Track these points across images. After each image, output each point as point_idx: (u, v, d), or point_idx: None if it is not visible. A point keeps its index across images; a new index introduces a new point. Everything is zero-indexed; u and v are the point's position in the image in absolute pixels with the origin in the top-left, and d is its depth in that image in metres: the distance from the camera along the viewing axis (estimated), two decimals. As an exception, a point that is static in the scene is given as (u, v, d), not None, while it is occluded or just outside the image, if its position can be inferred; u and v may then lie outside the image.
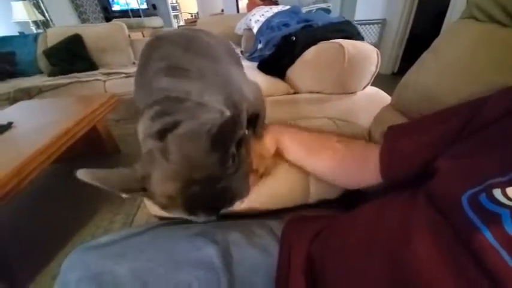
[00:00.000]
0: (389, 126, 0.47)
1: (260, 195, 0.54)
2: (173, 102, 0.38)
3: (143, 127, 0.37)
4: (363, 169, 0.47)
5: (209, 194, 0.32)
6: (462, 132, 0.35)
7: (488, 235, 0.24)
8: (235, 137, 0.31)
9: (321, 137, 0.54)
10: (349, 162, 0.49)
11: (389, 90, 0.89)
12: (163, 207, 0.33)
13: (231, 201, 0.35)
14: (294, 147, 0.54)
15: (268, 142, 0.53)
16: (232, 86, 0.48)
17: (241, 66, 0.69)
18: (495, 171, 0.27)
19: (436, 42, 0.59)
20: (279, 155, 0.56)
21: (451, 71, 0.52)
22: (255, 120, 0.54)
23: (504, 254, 0.22)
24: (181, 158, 0.31)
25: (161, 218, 0.56)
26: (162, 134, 0.34)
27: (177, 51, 0.47)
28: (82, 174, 0.31)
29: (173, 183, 0.31)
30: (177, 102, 0.38)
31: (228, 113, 0.40)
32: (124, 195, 0.33)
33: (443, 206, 0.30)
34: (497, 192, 0.25)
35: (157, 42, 0.50)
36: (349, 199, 0.58)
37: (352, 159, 0.49)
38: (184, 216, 0.34)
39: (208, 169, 0.31)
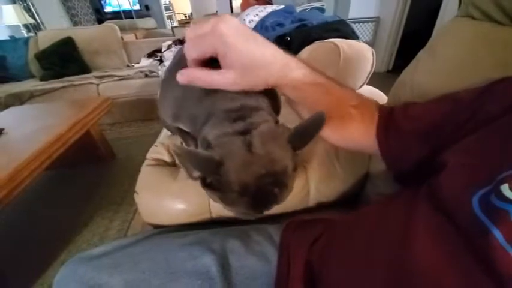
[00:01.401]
0: (381, 106, 0.44)
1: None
2: (248, 109, 0.38)
3: (220, 128, 0.36)
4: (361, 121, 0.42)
5: (273, 188, 0.33)
6: (469, 122, 0.34)
7: (498, 234, 0.23)
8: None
9: (336, 93, 0.42)
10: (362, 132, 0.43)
11: (384, 88, 0.89)
12: (223, 196, 0.34)
13: (283, 198, 0.36)
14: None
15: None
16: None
17: None
18: (503, 165, 0.26)
19: (432, 41, 0.58)
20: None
21: (447, 70, 0.51)
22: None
23: (510, 250, 0.22)
24: (264, 151, 0.32)
25: (156, 227, 0.55)
26: (246, 131, 0.34)
27: None
28: (175, 148, 0.31)
29: (253, 171, 0.32)
30: (251, 110, 0.38)
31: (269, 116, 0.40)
32: (194, 175, 0.35)
33: (450, 206, 0.29)
34: (504, 188, 0.24)
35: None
36: (349, 202, 0.58)
37: (365, 129, 0.43)
38: (244, 209, 0.34)
39: (283, 167, 0.33)
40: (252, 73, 0.34)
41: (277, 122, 0.37)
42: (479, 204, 0.26)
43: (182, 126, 0.45)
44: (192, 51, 0.33)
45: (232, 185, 0.32)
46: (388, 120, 0.40)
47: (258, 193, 0.32)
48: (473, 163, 0.30)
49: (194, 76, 0.34)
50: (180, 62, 0.49)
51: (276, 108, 0.47)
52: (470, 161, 0.31)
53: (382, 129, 0.40)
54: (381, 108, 0.42)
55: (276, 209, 0.54)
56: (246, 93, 0.39)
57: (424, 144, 0.37)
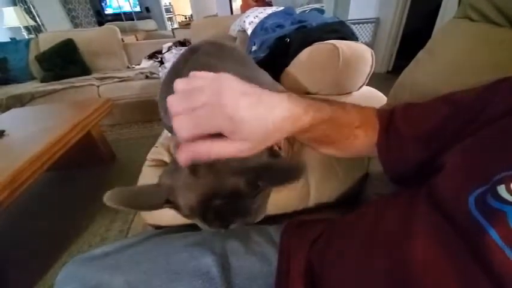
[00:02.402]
0: (378, 109, 0.44)
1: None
2: None
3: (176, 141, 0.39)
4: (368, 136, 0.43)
5: (228, 209, 0.33)
6: (469, 124, 0.34)
7: (494, 234, 0.23)
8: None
9: (341, 121, 0.41)
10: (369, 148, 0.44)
11: (384, 88, 0.89)
12: (186, 217, 0.35)
13: (246, 219, 0.36)
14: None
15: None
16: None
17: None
18: (500, 166, 0.26)
19: (431, 42, 0.59)
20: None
21: (447, 71, 0.52)
22: None
23: (509, 252, 0.22)
24: (210, 176, 0.33)
25: (156, 227, 0.55)
26: None
27: (214, 60, 0.48)
28: (109, 199, 0.31)
29: (196, 197, 0.33)
30: None
31: None
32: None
33: (448, 206, 0.29)
34: (501, 189, 0.24)
35: (192, 53, 0.50)
36: (349, 202, 0.58)
37: (369, 142, 0.43)
38: (202, 225, 0.36)
39: (233, 189, 0.32)
40: (267, 140, 0.30)
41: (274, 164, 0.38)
42: (476, 204, 0.26)
43: None
44: (185, 130, 0.26)
45: (182, 208, 0.34)
46: (388, 128, 0.41)
47: (207, 214, 0.34)
48: (470, 163, 0.31)
49: (198, 152, 0.27)
50: (179, 64, 0.50)
51: None
52: (468, 162, 0.31)
53: (382, 138, 0.41)
54: (380, 115, 0.43)
55: (275, 210, 0.55)
56: None
57: (424, 148, 0.38)
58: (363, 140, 0.42)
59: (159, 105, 0.50)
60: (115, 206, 0.31)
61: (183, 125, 0.26)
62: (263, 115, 0.28)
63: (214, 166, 0.33)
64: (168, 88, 0.49)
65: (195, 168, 0.33)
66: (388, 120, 0.42)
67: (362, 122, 0.41)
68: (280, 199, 0.55)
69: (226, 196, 0.32)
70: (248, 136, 0.27)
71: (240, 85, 0.28)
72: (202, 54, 0.49)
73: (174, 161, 0.36)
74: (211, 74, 0.30)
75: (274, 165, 0.35)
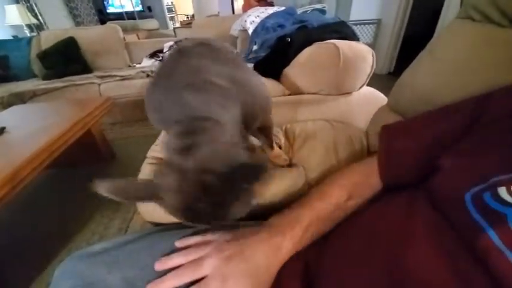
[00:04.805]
0: (384, 126, 0.46)
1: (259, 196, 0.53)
2: (196, 121, 0.41)
3: (167, 141, 0.40)
4: (368, 195, 0.45)
5: (209, 211, 0.34)
6: (468, 130, 0.35)
7: (493, 235, 0.23)
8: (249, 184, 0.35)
9: (331, 209, 0.44)
10: (359, 202, 0.45)
11: (385, 90, 0.89)
12: (170, 213, 0.36)
13: (227, 219, 0.37)
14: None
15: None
16: (253, 97, 0.51)
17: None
18: (500, 168, 0.27)
19: (432, 43, 0.59)
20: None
21: (447, 71, 0.52)
22: (265, 132, 0.61)
23: (509, 254, 0.22)
24: (194, 180, 0.34)
25: (155, 224, 0.55)
26: (183, 153, 0.36)
27: (204, 62, 0.48)
28: (99, 187, 0.33)
29: (181, 198, 0.34)
30: (199, 121, 0.41)
31: (236, 137, 0.43)
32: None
33: (445, 205, 0.29)
34: (502, 191, 0.24)
35: (179, 54, 0.50)
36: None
37: (362, 198, 0.45)
38: (185, 223, 0.36)
39: (214, 193, 0.33)
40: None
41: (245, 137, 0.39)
42: (472, 202, 0.26)
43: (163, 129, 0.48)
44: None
45: (167, 206, 0.36)
46: (388, 158, 0.43)
47: (189, 214, 0.35)
48: (467, 163, 0.31)
49: None
50: (167, 66, 0.50)
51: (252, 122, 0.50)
52: (465, 162, 0.31)
53: (384, 169, 0.43)
54: (380, 138, 0.45)
55: (274, 207, 0.55)
56: (203, 94, 0.42)
57: (425, 156, 0.38)
58: (360, 201, 0.44)
59: (146, 103, 0.50)
60: (105, 195, 0.33)
61: None
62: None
63: (199, 171, 0.34)
64: (154, 88, 0.49)
65: (182, 168, 0.35)
66: (384, 143, 0.44)
67: (350, 191, 0.44)
68: (280, 197, 0.55)
69: (206, 196, 0.33)
70: None
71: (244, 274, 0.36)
72: (193, 57, 0.49)
73: (169, 164, 0.37)
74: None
75: (245, 164, 0.36)
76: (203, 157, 0.35)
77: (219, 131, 0.40)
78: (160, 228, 0.51)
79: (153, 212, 0.55)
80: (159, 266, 0.39)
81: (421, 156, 0.38)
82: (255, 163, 0.36)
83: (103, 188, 0.33)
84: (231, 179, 0.33)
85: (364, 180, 0.45)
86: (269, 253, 0.38)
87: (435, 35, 0.60)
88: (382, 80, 2.92)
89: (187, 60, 0.48)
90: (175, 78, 0.46)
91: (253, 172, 0.34)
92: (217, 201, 0.34)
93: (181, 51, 0.51)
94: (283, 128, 0.72)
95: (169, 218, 0.54)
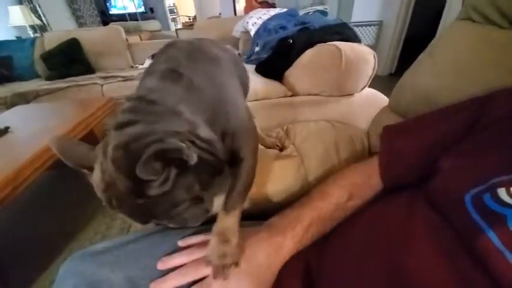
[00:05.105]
0: (385, 127, 0.46)
1: (258, 195, 0.54)
2: (143, 102, 0.36)
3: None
4: (369, 196, 0.45)
5: (127, 202, 0.30)
6: (468, 131, 0.35)
7: (493, 236, 0.23)
8: (175, 162, 0.29)
9: (332, 209, 0.44)
10: (359, 203, 0.45)
11: (387, 91, 0.89)
12: (96, 192, 0.33)
13: (151, 218, 0.33)
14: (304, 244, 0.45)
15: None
16: (223, 106, 0.43)
17: (245, 85, 0.63)
18: (499, 169, 0.27)
19: (433, 44, 0.59)
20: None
21: (448, 72, 0.52)
22: (235, 168, 0.43)
23: (508, 255, 0.22)
24: (112, 158, 0.30)
25: (157, 225, 0.55)
26: (116, 128, 0.32)
27: (181, 55, 0.47)
28: (52, 141, 0.32)
29: (102, 177, 0.31)
30: (146, 103, 0.36)
31: (201, 127, 0.36)
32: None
33: (445, 206, 0.30)
34: (501, 192, 0.25)
35: (166, 48, 0.50)
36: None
37: (362, 199, 0.45)
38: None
39: (130, 179, 0.29)
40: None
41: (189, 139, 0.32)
42: (472, 203, 0.26)
43: None
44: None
45: (92, 181, 0.33)
46: (389, 158, 0.43)
47: (110, 201, 0.31)
48: (466, 164, 0.31)
49: None
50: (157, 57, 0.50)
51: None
52: (465, 163, 0.31)
53: (384, 169, 0.43)
54: (381, 139, 0.45)
55: (274, 206, 0.55)
56: (168, 82, 0.39)
57: (425, 160, 0.38)
58: (360, 202, 0.44)
59: None
60: (54, 151, 0.32)
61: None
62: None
63: (117, 149, 0.30)
64: (144, 76, 0.48)
65: (106, 146, 0.31)
66: (385, 143, 0.44)
67: (351, 191, 0.44)
68: (280, 195, 0.55)
69: (124, 189, 0.29)
70: None
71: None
72: (174, 48, 0.49)
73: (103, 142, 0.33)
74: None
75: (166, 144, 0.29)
76: (126, 133, 0.31)
77: (165, 117, 0.34)
78: (161, 228, 0.51)
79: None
80: (162, 265, 0.39)
81: (422, 157, 0.39)
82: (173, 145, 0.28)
83: (54, 143, 0.32)
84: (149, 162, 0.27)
85: (365, 181, 0.45)
86: (270, 252, 0.39)
87: (436, 36, 0.60)
88: (384, 81, 2.92)
89: (168, 52, 0.48)
90: (152, 67, 0.46)
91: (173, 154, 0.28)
92: (130, 188, 0.29)
93: (169, 44, 0.51)
94: (285, 128, 0.73)
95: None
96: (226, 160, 0.40)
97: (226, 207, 0.41)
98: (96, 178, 0.32)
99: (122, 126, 0.32)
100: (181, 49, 0.49)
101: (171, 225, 0.35)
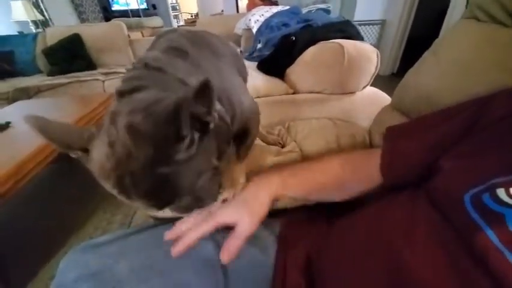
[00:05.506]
0: (388, 127, 0.47)
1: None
2: (150, 70, 0.34)
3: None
4: (363, 181, 0.46)
5: (148, 177, 0.26)
6: (468, 132, 0.35)
7: (492, 235, 0.23)
8: (195, 114, 0.25)
9: (321, 167, 0.49)
10: (353, 183, 0.47)
11: (388, 91, 0.89)
12: (97, 176, 0.29)
13: (176, 197, 0.29)
14: (296, 194, 0.48)
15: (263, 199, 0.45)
16: (229, 87, 0.44)
17: (244, 79, 0.64)
18: (499, 170, 0.27)
19: (437, 43, 0.58)
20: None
21: (451, 71, 0.52)
22: (242, 138, 0.48)
23: (508, 254, 0.22)
24: (126, 125, 0.26)
25: (157, 219, 0.56)
26: (122, 95, 0.30)
27: (183, 40, 0.47)
28: (29, 118, 0.28)
29: (112, 152, 0.26)
30: (154, 70, 0.34)
31: (217, 104, 0.34)
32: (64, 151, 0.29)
33: (445, 206, 0.30)
34: (501, 192, 0.25)
35: (165, 34, 0.50)
36: (349, 201, 0.57)
37: (356, 178, 0.47)
38: (115, 193, 0.28)
39: (154, 145, 0.25)
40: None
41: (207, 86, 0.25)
42: (471, 202, 0.26)
43: None
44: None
45: (94, 164, 0.28)
46: (391, 158, 0.43)
47: (120, 178, 0.27)
48: (466, 165, 0.31)
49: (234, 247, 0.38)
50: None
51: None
52: (464, 163, 0.32)
53: (386, 169, 0.43)
54: (384, 138, 0.46)
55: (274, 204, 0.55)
56: (172, 56, 0.38)
57: (427, 161, 0.38)
58: (350, 179, 0.47)
59: None
60: (32, 128, 0.28)
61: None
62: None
63: (133, 112, 0.27)
64: None
65: (116, 114, 0.27)
66: (388, 143, 0.44)
67: (343, 160, 0.49)
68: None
69: (144, 158, 0.25)
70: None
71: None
72: (174, 33, 0.49)
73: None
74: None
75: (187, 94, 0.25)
76: (140, 98, 0.28)
77: (175, 85, 0.33)
78: (162, 223, 0.51)
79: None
80: (170, 235, 0.40)
81: (424, 157, 0.39)
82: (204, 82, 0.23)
83: (31, 121, 0.28)
84: (169, 117, 0.25)
85: (363, 159, 0.48)
86: (257, 189, 0.45)
87: (440, 35, 0.59)
88: (385, 81, 2.91)
89: (168, 36, 0.48)
90: (150, 47, 0.47)
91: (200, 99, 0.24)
92: (154, 154, 0.25)
93: (168, 30, 0.52)
94: (286, 125, 0.73)
95: (171, 214, 0.55)
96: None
97: (240, 157, 0.51)
98: (99, 157, 0.27)
99: (128, 93, 0.30)
100: (182, 35, 0.49)
101: (185, 211, 0.33)
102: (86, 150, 0.29)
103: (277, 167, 0.51)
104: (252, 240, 0.45)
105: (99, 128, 0.29)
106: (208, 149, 0.30)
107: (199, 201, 0.33)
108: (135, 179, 0.26)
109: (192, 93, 0.23)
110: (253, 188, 0.45)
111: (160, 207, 0.29)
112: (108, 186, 0.28)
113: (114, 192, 0.28)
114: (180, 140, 0.26)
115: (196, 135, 0.27)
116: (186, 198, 0.30)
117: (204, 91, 0.23)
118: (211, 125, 0.28)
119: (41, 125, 0.28)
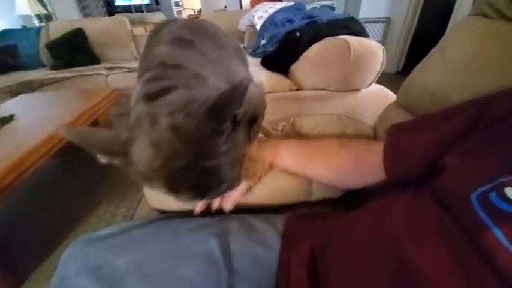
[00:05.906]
0: (393, 125, 0.46)
1: (262, 190, 0.53)
2: (169, 68, 0.36)
3: (136, 91, 0.35)
4: (364, 171, 0.47)
5: (195, 170, 0.29)
6: (471, 131, 0.35)
7: (498, 233, 0.23)
8: (231, 110, 0.28)
9: (320, 143, 0.53)
10: (351, 166, 0.48)
11: (393, 89, 0.88)
12: (144, 178, 0.30)
13: (219, 185, 0.32)
14: (293, 160, 0.52)
15: (264, 159, 0.51)
16: (235, 74, 0.46)
17: (247, 65, 0.66)
18: (506, 169, 0.27)
19: (444, 40, 0.58)
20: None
21: (458, 68, 0.51)
22: (252, 123, 0.51)
23: None
24: (170, 126, 0.28)
25: (161, 212, 0.56)
26: (152, 98, 0.31)
27: (184, 31, 0.47)
28: (64, 129, 0.30)
29: (158, 152, 0.28)
30: (172, 68, 0.36)
31: None
32: (103, 159, 0.31)
33: (451, 204, 0.29)
34: (508, 191, 0.25)
35: (165, 24, 0.50)
36: (352, 198, 0.57)
37: (355, 163, 0.48)
38: (164, 191, 0.30)
39: (198, 141, 0.28)
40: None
41: (238, 88, 0.29)
42: (478, 201, 0.26)
43: None
44: None
45: (140, 166, 0.29)
46: (394, 147, 0.43)
47: (170, 175, 0.29)
48: (473, 163, 0.31)
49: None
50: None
51: None
52: (471, 162, 0.31)
53: (390, 166, 0.43)
54: (388, 133, 0.45)
55: (279, 201, 0.55)
56: (180, 48, 0.39)
57: (430, 158, 0.38)
58: (347, 158, 0.48)
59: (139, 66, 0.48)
60: (69, 138, 0.30)
61: None
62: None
63: (174, 114, 0.29)
64: (147, 50, 0.49)
65: (154, 116, 0.29)
66: (392, 139, 0.44)
67: (342, 141, 0.50)
68: (282, 189, 0.55)
69: (190, 154, 0.28)
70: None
71: None
72: (175, 24, 0.49)
73: (138, 115, 0.31)
74: None
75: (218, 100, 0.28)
76: (174, 100, 0.30)
77: (196, 81, 0.35)
78: (165, 216, 0.52)
79: (159, 198, 0.56)
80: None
81: (427, 155, 0.39)
82: (234, 86, 0.27)
83: (67, 131, 0.30)
84: (210, 114, 0.27)
85: (365, 145, 0.49)
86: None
87: (447, 32, 0.58)
88: (390, 79, 2.87)
89: (169, 27, 0.49)
90: (153, 41, 0.46)
91: (233, 97, 0.27)
92: (199, 150, 0.28)
93: (166, 22, 0.52)
94: (291, 121, 0.72)
95: (174, 205, 0.55)
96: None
97: (252, 139, 0.51)
98: (144, 158, 0.29)
99: (157, 95, 0.31)
100: (182, 26, 0.49)
101: (215, 196, 0.35)
102: (123, 154, 0.30)
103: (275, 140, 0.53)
104: (257, 236, 0.45)
105: (132, 131, 0.30)
106: (239, 137, 0.33)
107: (230, 186, 0.35)
108: (184, 175, 0.29)
109: (230, 93, 0.27)
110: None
111: (203, 196, 0.32)
112: (157, 185, 0.30)
113: (163, 190, 0.30)
114: (220, 134, 0.29)
115: (229, 127, 0.30)
116: (224, 185, 0.33)
117: (241, 91, 0.27)
118: (239, 117, 0.30)
119: (79, 135, 0.30)
